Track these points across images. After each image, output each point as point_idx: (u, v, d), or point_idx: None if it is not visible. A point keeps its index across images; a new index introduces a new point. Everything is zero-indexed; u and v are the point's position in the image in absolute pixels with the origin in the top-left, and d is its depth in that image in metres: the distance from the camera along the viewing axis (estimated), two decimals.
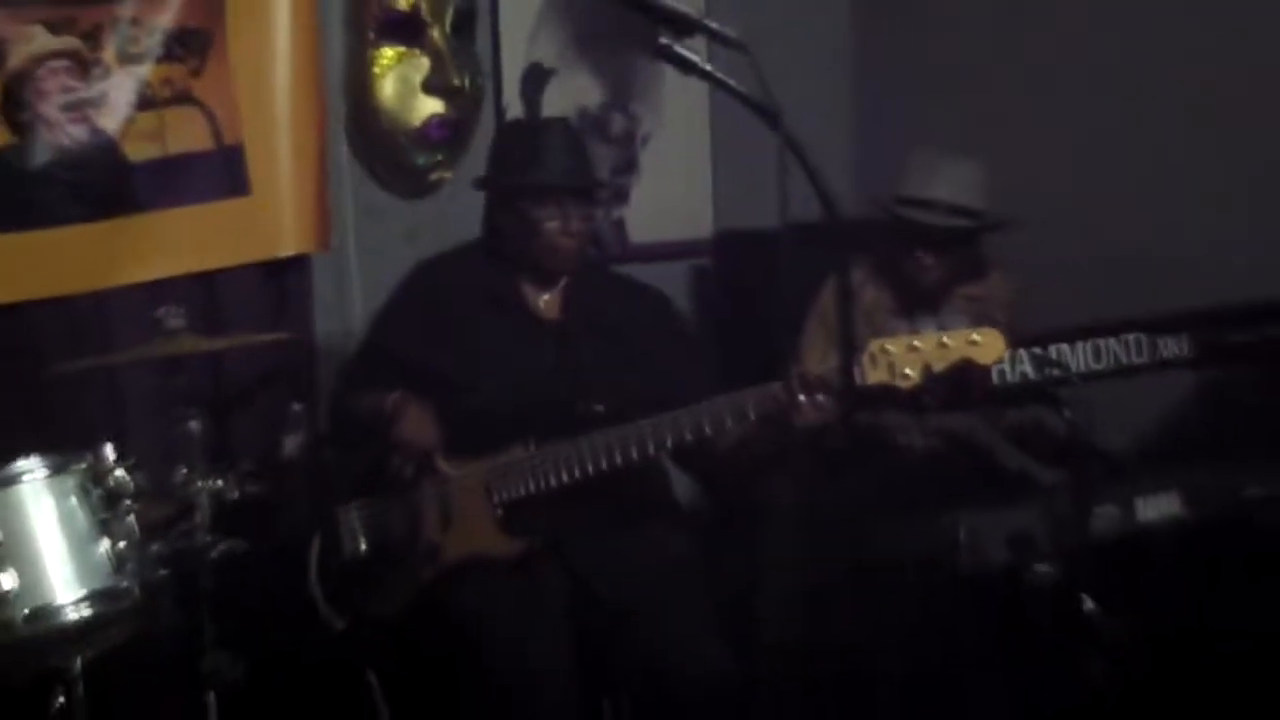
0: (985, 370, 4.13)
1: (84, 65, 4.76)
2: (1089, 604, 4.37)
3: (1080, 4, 5.67)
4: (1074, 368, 4.48)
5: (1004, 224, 5.05)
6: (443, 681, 4.31)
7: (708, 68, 2.92)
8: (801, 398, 4.03)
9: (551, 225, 4.47)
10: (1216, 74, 5.31)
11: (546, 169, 4.49)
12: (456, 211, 5.31)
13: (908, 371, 3.77)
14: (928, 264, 5.00)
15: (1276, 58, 5.19)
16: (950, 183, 5.01)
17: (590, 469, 4.23)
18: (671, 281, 5.58)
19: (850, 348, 3.80)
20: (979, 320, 4.45)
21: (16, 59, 4.65)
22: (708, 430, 4.13)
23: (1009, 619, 4.55)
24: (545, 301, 4.60)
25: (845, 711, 4.58)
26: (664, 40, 2.91)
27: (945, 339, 3.85)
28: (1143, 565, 4.49)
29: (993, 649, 4.67)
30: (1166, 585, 4.56)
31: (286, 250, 5.14)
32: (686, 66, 2.92)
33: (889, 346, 3.80)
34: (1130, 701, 4.36)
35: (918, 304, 5.04)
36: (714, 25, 2.89)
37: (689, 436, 4.14)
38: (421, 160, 5.46)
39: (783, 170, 2.90)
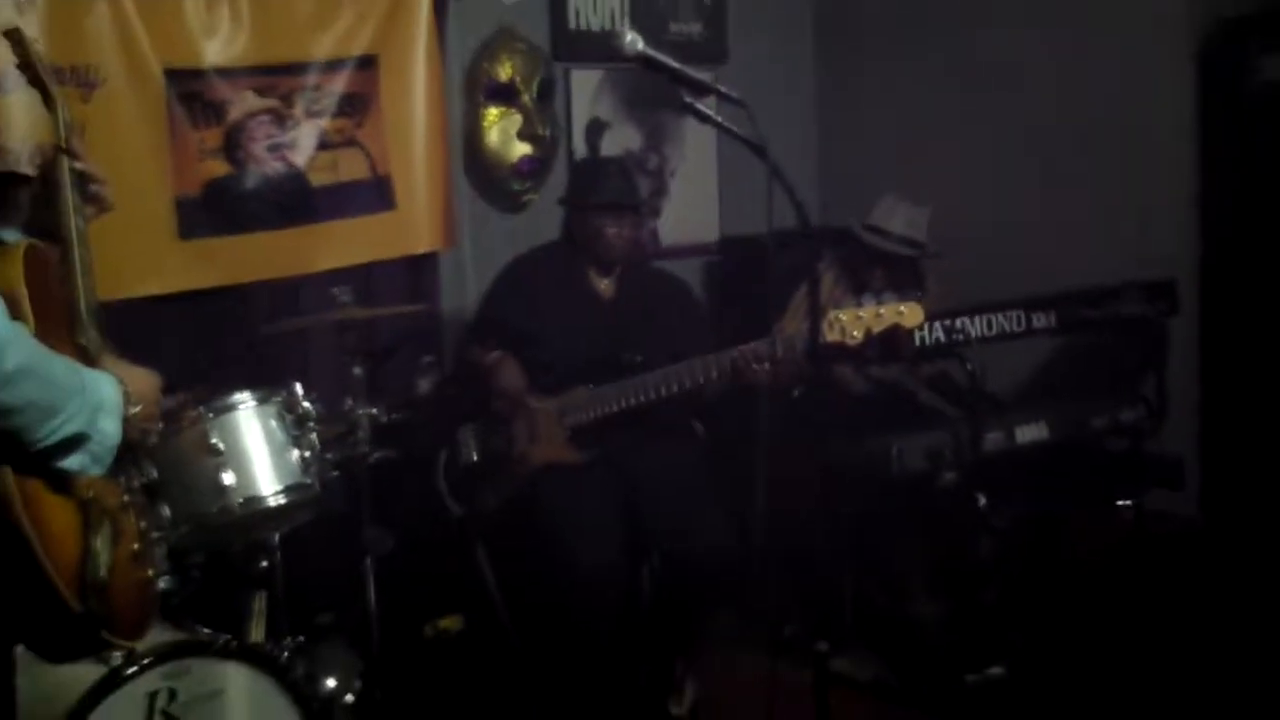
0: (910, 332, 4.10)
1: (281, 118, 4.75)
2: (981, 500, 4.37)
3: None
4: (973, 334, 4.43)
5: (939, 254, 5.04)
6: (529, 551, 4.31)
7: (718, 118, 2.89)
8: (777, 351, 4.04)
9: (610, 230, 4.47)
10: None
11: (608, 192, 4.49)
12: (540, 221, 5.27)
13: (855, 333, 3.74)
14: (877, 275, 4.96)
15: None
16: (905, 221, 4.99)
17: (631, 402, 4.24)
18: (691, 272, 5.57)
19: (816, 319, 3.80)
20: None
21: (234, 114, 4.64)
22: (714, 375, 4.13)
23: (925, 510, 4.55)
24: (604, 285, 4.59)
25: (806, 573, 4.59)
26: (687, 99, 2.87)
27: (881, 309, 3.82)
28: (1020, 473, 4.48)
29: (912, 530, 4.68)
30: (1036, 487, 4.55)
31: (421, 249, 5.12)
32: (702, 117, 2.90)
33: (841, 316, 3.77)
34: (1007, 566, 4.41)
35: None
36: (722, 88, 2.87)
37: (699, 379, 4.15)
38: (516, 186, 5.43)
39: (769, 191, 2.86)
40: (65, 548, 2.10)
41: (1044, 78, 5.37)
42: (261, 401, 3.63)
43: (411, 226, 5.05)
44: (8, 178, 3.60)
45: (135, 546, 2.40)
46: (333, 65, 4.84)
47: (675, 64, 2.86)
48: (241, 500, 3.51)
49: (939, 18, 5.71)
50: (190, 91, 4.55)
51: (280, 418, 3.65)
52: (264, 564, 3.85)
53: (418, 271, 5.15)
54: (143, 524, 2.46)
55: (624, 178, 4.63)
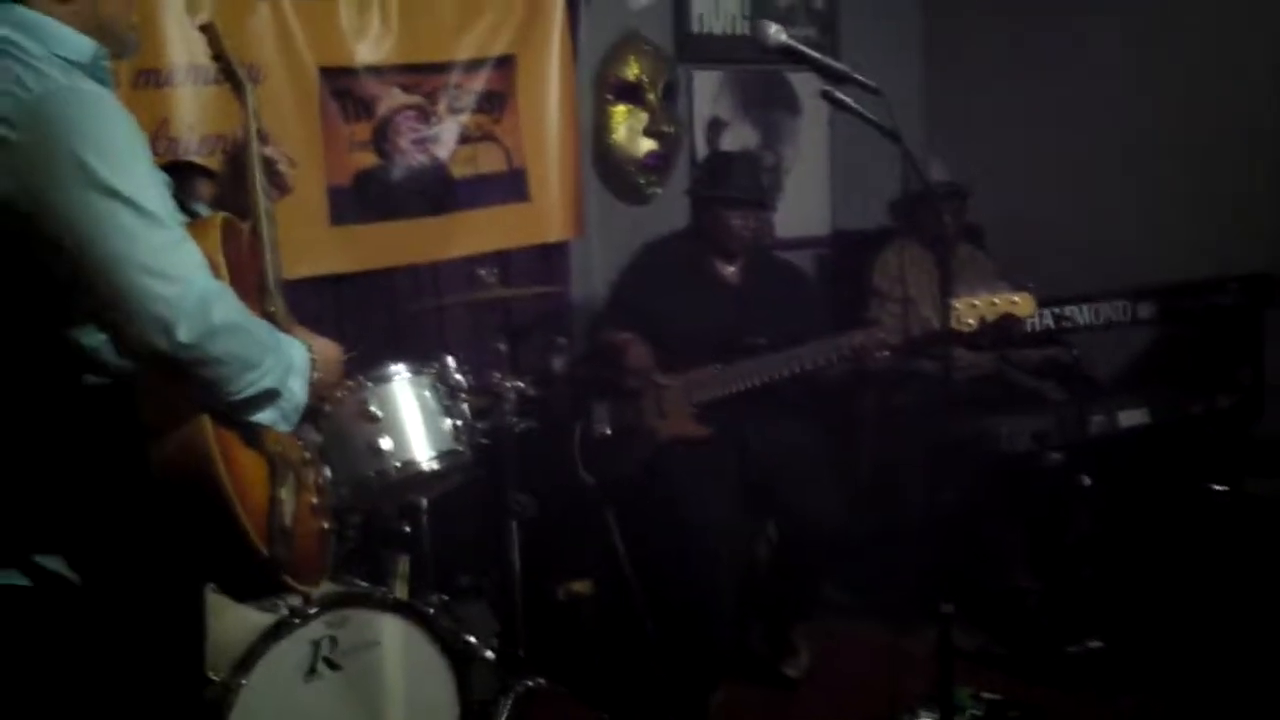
0: (1021, 321, 4.07)
1: (425, 114, 4.79)
2: (1085, 480, 4.33)
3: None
4: (1079, 321, 4.40)
5: (972, 192, 5.07)
6: (656, 519, 4.32)
7: (856, 105, 2.85)
8: (882, 336, 4.05)
9: (736, 222, 4.47)
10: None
11: (736, 187, 4.49)
12: (664, 213, 5.27)
13: (969, 321, 3.71)
14: (945, 220, 4.92)
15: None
16: (945, 171, 5.04)
17: (756, 382, 4.25)
18: (802, 263, 5.54)
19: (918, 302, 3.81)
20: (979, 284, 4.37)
21: (382, 109, 4.68)
22: (834, 358, 4.13)
23: (1031, 488, 4.50)
24: (729, 271, 4.59)
25: (917, 547, 4.56)
26: (826, 88, 2.85)
27: (995, 299, 3.78)
28: (1121, 455, 4.43)
29: (1019, 506, 4.64)
30: (1137, 469, 4.50)
31: (554, 237, 5.14)
32: (842, 106, 2.85)
33: (957, 304, 3.74)
34: (1107, 542, 4.38)
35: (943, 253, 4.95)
36: (859, 77, 2.83)
37: (820, 362, 4.18)
38: (641, 180, 5.44)
39: (905, 173, 2.83)
40: (254, 496, 2.14)
41: (1143, 72, 5.30)
42: (416, 373, 3.65)
43: (544, 216, 5.08)
44: (181, 165, 3.68)
45: (314, 500, 2.43)
46: (473, 65, 4.87)
47: (816, 54, 2.85)
48: (398, 464, 3.54)
49: (1043, 22, 5.63)
50: (342, 88, 4.60)
51: (434, 388, 3.67)
52: (407, 528, 3.87)
53: (549, 258, 5.16)
54: (319, 480, 2.50)
55: (751, 174, 4.64)
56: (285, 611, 3.11)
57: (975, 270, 5.00)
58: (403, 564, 3.79)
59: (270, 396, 2.11)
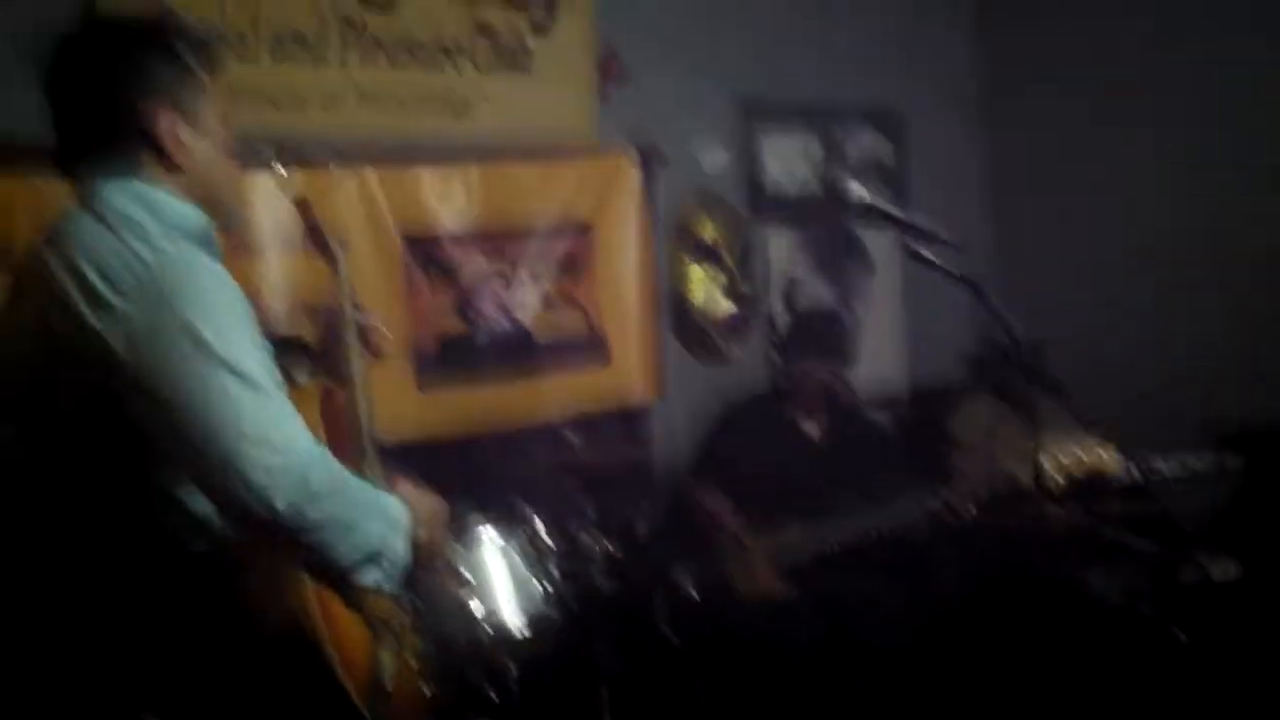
0: (1111, 475, 4.05)
1: (507, 280, 4.86)
2: (1180, 635, 4.25)
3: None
4: (1166, 473, 4.36)
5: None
6: (747, 679, 4.26)
7: (938, 260, 2.87)
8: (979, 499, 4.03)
9: (819, 376, 4.50)
10: None
11: (817, 341, 4.52)
12: (743, 373, 5.32)
13: (1058, 479, 3.68)
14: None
15: None
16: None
17: (841, 543, 4.22)
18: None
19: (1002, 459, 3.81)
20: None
21: (467, 277, 4.76)
22: (916, 520, 4.11)
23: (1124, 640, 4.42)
24: (812, 429, 4.60)
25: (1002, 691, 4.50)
26: (912, 245, 2.88)
27: (1082, 454, 3.78)
28: (1214, 608, 4.33)
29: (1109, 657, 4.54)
30: (1232, 623, 4.40)
31: (634, 399, 5.17)
32: (926, 263, 2.88)
33: (1044, 460, 3.73)
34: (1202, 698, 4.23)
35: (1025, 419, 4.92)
36: (941, 233, 2.86)
37: (904, 524, 4.19)
38: (721, 341, 5.47)
39: (991, 326, 2.84)
40: (355, 657, 2.15)
41: (1208, 204, 5.31)
42: (505, 536, 3.67)
43: (625, 379, 5.12)
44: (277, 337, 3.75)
45: (414, 664, 2.42)
46: (553, 231, 4.95)
47: (896, 211, 2.89)
48: (490, 629, 3.54)
49: (1103, 175, 5.67)
50: (426, 255, 4.69)
51: (523, 551, 3.68)
52: (494, 696, 3.83)
53: (630, 419, 5.18)
54: (420, 644, 2.49)
55: (830, 328, 4.66)
56: None
57: (1057, 425, 4.95)
58: None
59: (373, 558, 2.11)
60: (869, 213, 2.93)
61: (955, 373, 5.50)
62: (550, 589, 3.68)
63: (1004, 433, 4.76)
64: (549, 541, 3.73)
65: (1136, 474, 4.32)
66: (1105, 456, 3.74)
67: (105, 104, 2.11)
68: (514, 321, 4.87)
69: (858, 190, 2.90)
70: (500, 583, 3.61)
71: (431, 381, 4.66)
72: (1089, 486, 4.12)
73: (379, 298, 4.48)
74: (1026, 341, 4.88)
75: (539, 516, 3.86)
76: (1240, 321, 5.22)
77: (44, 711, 2.06)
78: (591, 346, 5.07)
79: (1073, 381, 5.28)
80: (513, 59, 4.89)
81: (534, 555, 3.70)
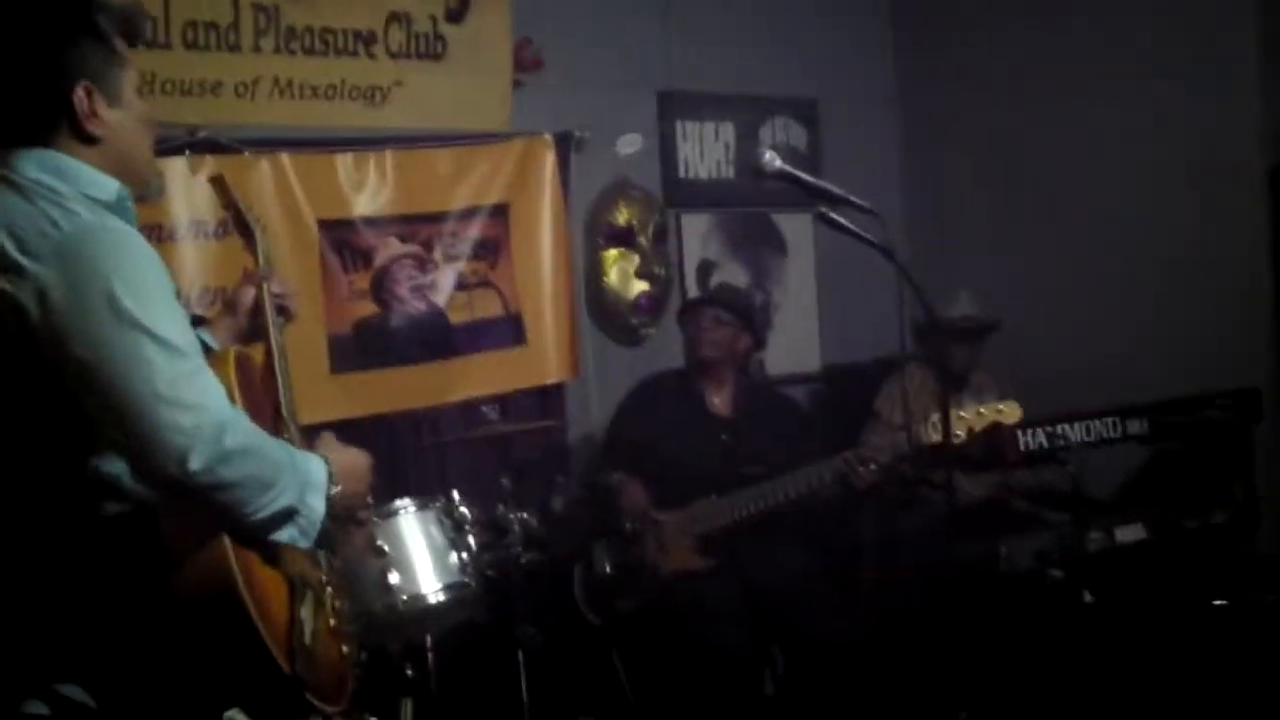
0: (1012, 430, 4.12)
1: (422, 262, 4.87)
2: (1087, 596, 4.34)
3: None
4: (1072, 439, 4.44)
5: (999, 326, 5.14)
6: (662, 654, 4.30)
7: (850, 225, 2.91)
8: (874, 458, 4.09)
9: (705, 329, 4.63)
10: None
11: (706, 292, 4.75)
12: (657, 354, 5.34)
13: (958, 433, 3.75)
14: (958, 353, 4.97)
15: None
16: (968, 302, 5.08)
17: (751, 510, 4.27)
18: (797, 399, 5.59)
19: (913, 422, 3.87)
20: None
21: (380, 259, 4.77)
22: (824, 482, 4.15)
23: (1033, 606, 4.50)
24: (719, 402, 4.65)
25: (915, 660, 4.58)
26: (823, 209, 2.92)
27: (981, 409, 3.87)
28: (1121, 570, 4.44)
29: (1020, 625, 4.62)
30: (1137, 582, 4.50)
31: (551, 380, 5.18)
32: (836, 225, 2.91)
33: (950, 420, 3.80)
34: (1112, 658, 4.36)
35: (950, 384, 4.98)
36: (854, 199, 2.90)
37: (811, 486, 4.21)
38: (635, 321, 5.52)
39: (900, 291, 2.89)
40: (275, 615, 2.14)
41: (1127, 184, 5.42)
42: (422, 507, 3.68)
43: (541, 359, 5.13)
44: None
45: (333, 622, 2.43)
46: (468, 213, 4.97)
47: (810, 178, 2.92)
48: (405, 598, 3.55)
49: (1024, 143, 5.78)
50: (341, 239, 4.69)
51: (440, 522, 3.70)
52: (410, 671, 3.85)
53: (546, 400, 5.20)
54: (338, 603, 2.50)
55: (725, 288, 4.74)
56: None
57: (983, 398, 5.05)
58: (406, 708, 3.76)
59: (288, 515, 2.13)
60: (783, 178, 2.95)
61: (875, 351, 5.57)
62: (467, 559, 3.68)
63: (924, 401, 4.82)
64: (466, 512, 3.73)
65: (1043, 439, 4.42)
66: (1004, 410, 3.83)
67: (22, 77, 2.11)
68: (429, 303, 4.88)
69: (771, 158, 2.91)
70: (418, 553, 3.61)
71: (346, 364, 4.67)
72: (994, 445, 4.20)
73: (294, 280, 4.40)
74: (967, 322, 5.00)
75: (456, 490, 3.86)
76: (1145, 301, 5.34)
77: None
78: (507, 327, 5.08)
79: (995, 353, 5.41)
80: (428, 46, 4.89)
81: (451, 525, 3.70)
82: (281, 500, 2.10)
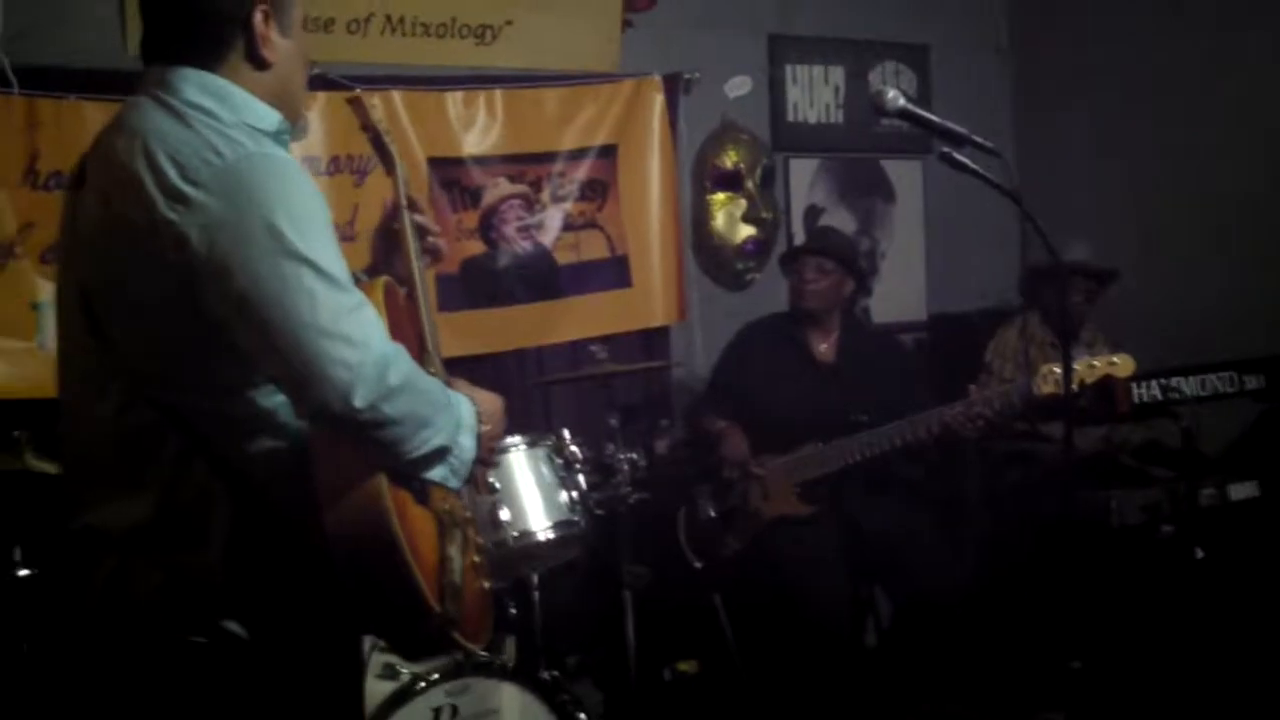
0: (1125, 384, 4.06)
1: (530, 203, 4.90)
2: (1199, 552, 4.29)
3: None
4: (1186, 393, 4.38)
5: (1119, 275, 5.00)
6: (763, 598, 4.32)
7: (975, 166, 2.85)
8: (985, 410, 4.04)
9: (808, 277, 4.57)
10: None
11: (815, 239, 4.79)
12: (762, 299, 5.29)
13: (1070, 385, 3.70)
14: (1076, 301, 4.88)
15: None
16: (1085, 251, 4.95)
17: (855, 458, 4.25)
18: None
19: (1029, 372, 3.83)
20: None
21: (489, 198, 4.81)
22: (930, 432, 4.12)
23: (1143, 560, 4.46)
24: (824, 349, 4.62)
25: (1024, 611, 4.58)
26: (945, 149, 2.87)
27: (1094, 360, 3.81)
28: (1233, 527, 4.41)
29: (1131, 579, 4.59)
30: (1249, 539, 4.45)
31: (656, 322, 5.21)
32: (960, 167, 2.86)
33: (1055, 368, 3.75)
34: (1223, 615, 4.31)
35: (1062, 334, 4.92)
36: (978, 139, 2.84)
37: (916, 436, 4.16)
38: (740, 266, 5.49)
39: (1023, 233, 2.85)
40: (426, 554, 2.11)
41: (1253, 148, 5.29)
42: (532, 445, 3.70)
43: (647, 302, 5.15)
44: None
45: (476, 558, 2.41)
46: (576, 154, 4.99)
47: (934, 117, 2.88)
48: (515, 534, 3.56)
49: (1144, 102, 5.68)
50: (450, 178, 4.72)
51: (550, 460, 3.71)
52: (514, 609, 3.89)
53: (651, 343, 5.23)
54: (479, 539, 2.49)
55: (828, 234, 4.71)
56: (407, 678, 3.13)
57: (1095, 351, 4.97)
58: (509, 645, 3.79)
59: (442, 454, 2.12)
60: (905, 117, 2.90)
61: (982, 303, 5.52)
62: (576, 497, 3.70)
63: (1039, 354, 4.76)
64: (576, 450, 3.76)
65: (1157, 392, 4.36)
66: (1117, 363, 3.77)
67: None
68: (536, 244, 4.91)
69: (895, 96, 2.87)
70: (527, 491, 3.63)
71: (452, 303, 4.72)
72: (1108, 402, 4.14)
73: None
74: (1083, 268, 4.93)
75: (566, 429, 3.89)
76: (1263, 255, 5.23)
77: None
78: (613, 269, 5.10)
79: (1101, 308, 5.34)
80: None
81: (561, 464, 3.72)
82: (437, 439, 2.09)
